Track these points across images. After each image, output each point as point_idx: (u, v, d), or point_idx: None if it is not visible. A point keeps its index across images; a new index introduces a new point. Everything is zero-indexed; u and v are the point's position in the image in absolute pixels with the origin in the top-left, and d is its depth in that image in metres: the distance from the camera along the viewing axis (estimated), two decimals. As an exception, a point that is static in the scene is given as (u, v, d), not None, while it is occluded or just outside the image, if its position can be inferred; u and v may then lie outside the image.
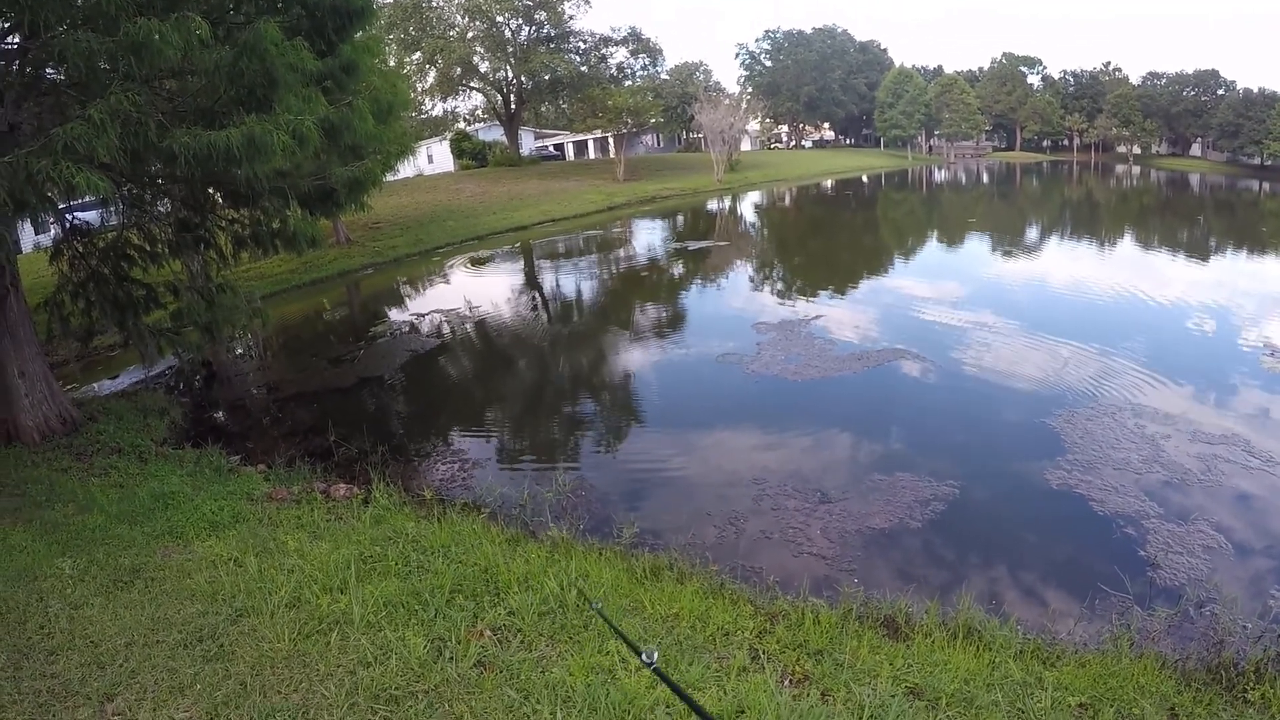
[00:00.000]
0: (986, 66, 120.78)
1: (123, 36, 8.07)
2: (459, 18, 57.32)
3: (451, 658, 4.74)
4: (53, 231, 13.22)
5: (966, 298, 20.08)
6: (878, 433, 11.30)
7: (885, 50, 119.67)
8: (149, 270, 13.29)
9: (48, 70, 9.89)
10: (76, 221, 12.97)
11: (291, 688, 4.48)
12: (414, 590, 5.65)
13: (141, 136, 8.48)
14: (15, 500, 8.83)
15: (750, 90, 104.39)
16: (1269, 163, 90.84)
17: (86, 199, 9.37)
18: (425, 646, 4.83)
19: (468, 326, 20.43)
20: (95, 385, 15.78)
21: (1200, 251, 30.46)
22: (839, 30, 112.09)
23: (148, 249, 13.00)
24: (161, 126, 8.75)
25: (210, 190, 12.68)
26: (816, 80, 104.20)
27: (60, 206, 11.91)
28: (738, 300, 21.34)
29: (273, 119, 8.92)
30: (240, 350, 19.19)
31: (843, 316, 18.15)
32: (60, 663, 4.88)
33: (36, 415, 11.36)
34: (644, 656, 2.78)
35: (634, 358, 16.29)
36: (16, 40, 9.64)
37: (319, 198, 12.41)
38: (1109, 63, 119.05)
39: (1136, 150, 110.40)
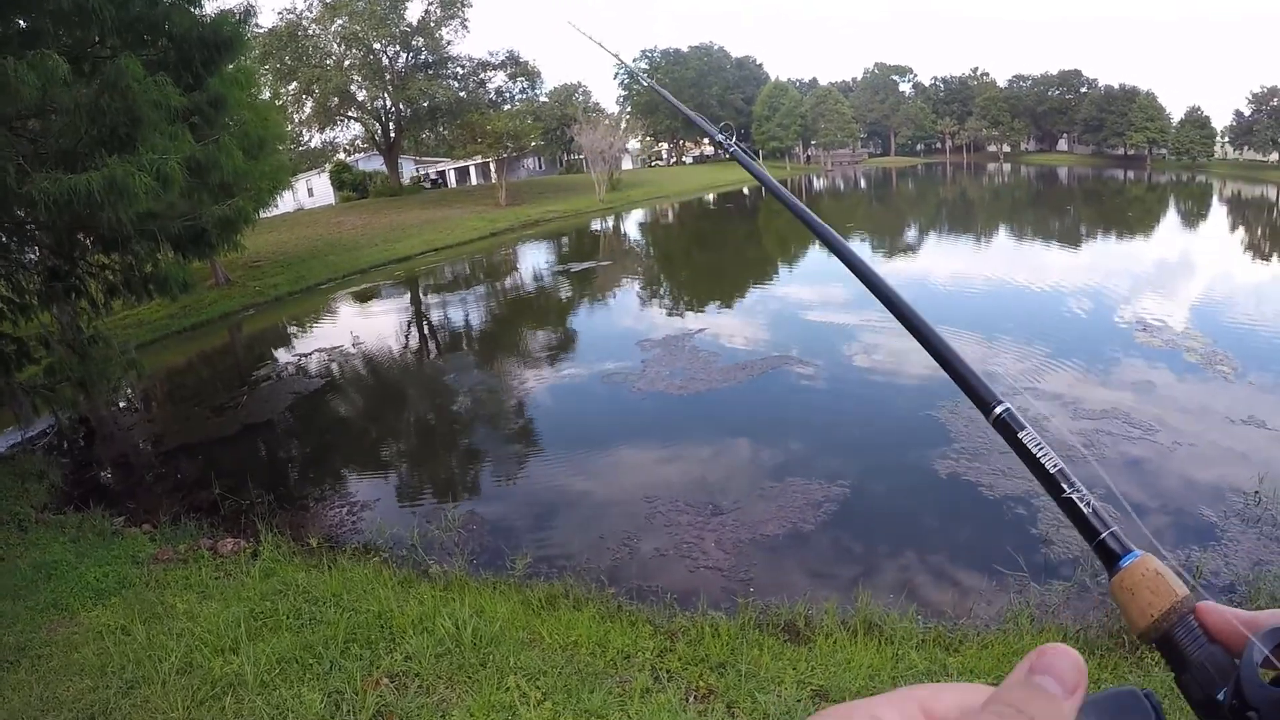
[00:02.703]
0: (860, 77, 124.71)
1: (-24, 76, 7.73)
2: (336, 46, 56.45)
3: (350, 711, 4.62)
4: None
5: (849, 300, 20.55)
6: (765, 440, 11.43)
7: (760, 65, 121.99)
8: (19, 323, 12.63)
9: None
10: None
11: (189, 758, 4.25)
12: (307, 644, 5.48)
13: (0, 183, 8.13)
14: (-117, 581, 8.30)
15: (630, 109, 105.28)
16: (1131, 152, 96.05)
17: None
18: (322, 702, 4.70)
19: (354, 363, 20.01)
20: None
21: (1071, 238, 32.01)
22: (715, 48, 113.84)
23: (16, 300, 12.39)
24: (21, 171, 8.39)
25: (79, 236, 12.19)
26: (695, 97, 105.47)
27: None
28: (624, 319, 21.47)
29: (135, 159, 8.60)
30: (122, 403, 18.38)
31: (728, 327, 18.41)
32: (-57, 754, 4.61)
33: (-101, 486, 10.70)
34: None
35: (521, 384, 16.22)
36: None
37: (190, 239, 12.00)
38: (977, 68, 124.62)
39: (1006, 149, 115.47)
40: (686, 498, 9.50)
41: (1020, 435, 0.95)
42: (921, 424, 11.24)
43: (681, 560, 8.09)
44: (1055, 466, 0.93)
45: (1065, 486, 0.92)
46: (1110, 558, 0.85)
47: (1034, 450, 0.95)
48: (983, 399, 0.99)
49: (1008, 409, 0.97)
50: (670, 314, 21.46)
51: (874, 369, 14.21)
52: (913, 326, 1.14)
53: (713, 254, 34.68)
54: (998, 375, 12.74)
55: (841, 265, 1.32)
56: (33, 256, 12.53)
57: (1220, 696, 0.66)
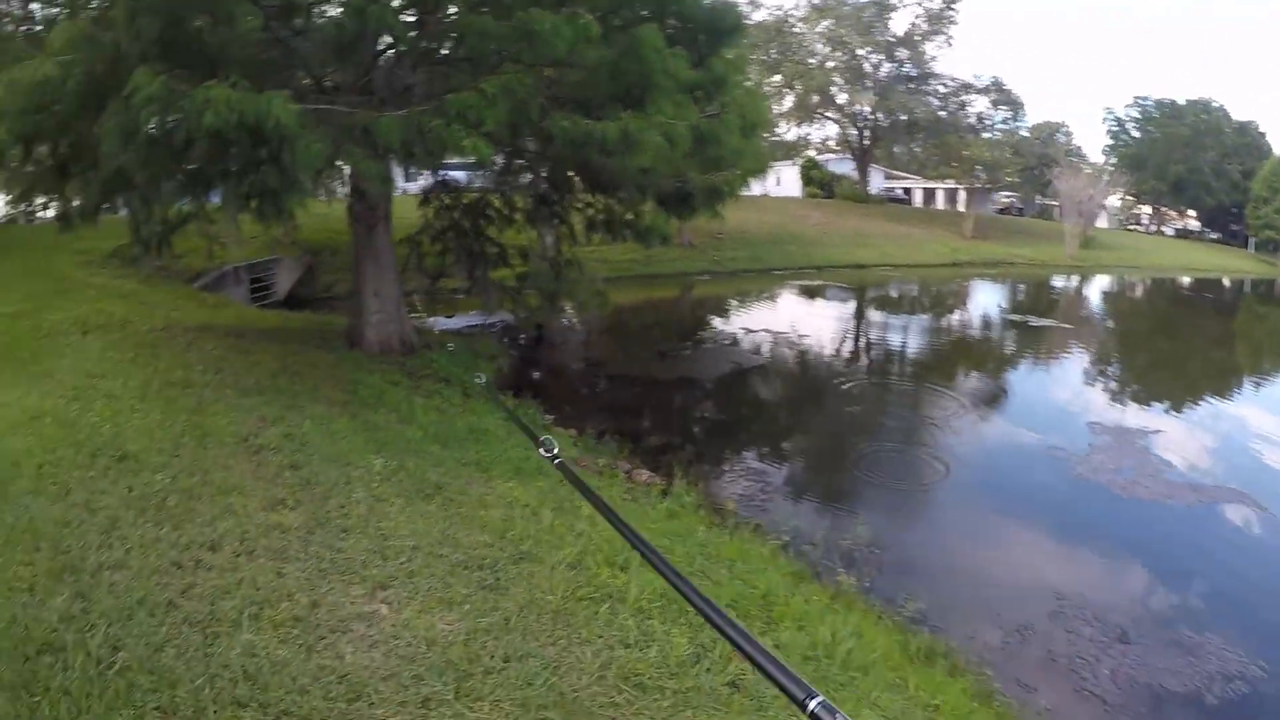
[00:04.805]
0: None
1: (517, 23, 8.83)
2: (820, 46, 57.29)
3: (709, 669, 4.59)
4: (421, 181, 14.82)
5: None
6: (1200, 581, 9.92)
7: (1264, 135, 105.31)
8: (503, 232, 14.54)
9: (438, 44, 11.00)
10: (445, 176, 14.45)
11: (550, 640, 4.51)
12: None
13: (525, 115, 9.27)
14: (346, 395, 9.92)
15: (1114, 161, 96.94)
16: None
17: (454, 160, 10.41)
18: (687, 648, 4.72)
19: (789, 352, 20.56)
20: (436, 319, 17.42)
21: None
22: (1214, 105, 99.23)
23: (506, 213, 14.23)
24: (543, 109, 9.55)
25: (570, 174, 13.63)
26: (1186, 159, 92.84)
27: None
28: (1069, 391, 19.78)
29: (646, 118, 9.43)
30: (571, 322, 20.48)
31: (1181, 437, 16.08)
32: (349, 541, 5.27)
33: (381, 331, 12.79)
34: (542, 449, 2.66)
35: (957, 427, 15.21)
36: (415, 15, 10.69)
37: (677, 199, 12.97)
38: None
39: None
40: (1097, 610, 8.52)
41: None
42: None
43: (1069, 674, 7.34)
44: None
45: None
46: None
47: None
48: None
49: None
50: (1120, 402, 19.32)
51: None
52: None
53: (1179, 347, 30.67)
54: None
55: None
56: (525, 181, 14.20)
57: None
